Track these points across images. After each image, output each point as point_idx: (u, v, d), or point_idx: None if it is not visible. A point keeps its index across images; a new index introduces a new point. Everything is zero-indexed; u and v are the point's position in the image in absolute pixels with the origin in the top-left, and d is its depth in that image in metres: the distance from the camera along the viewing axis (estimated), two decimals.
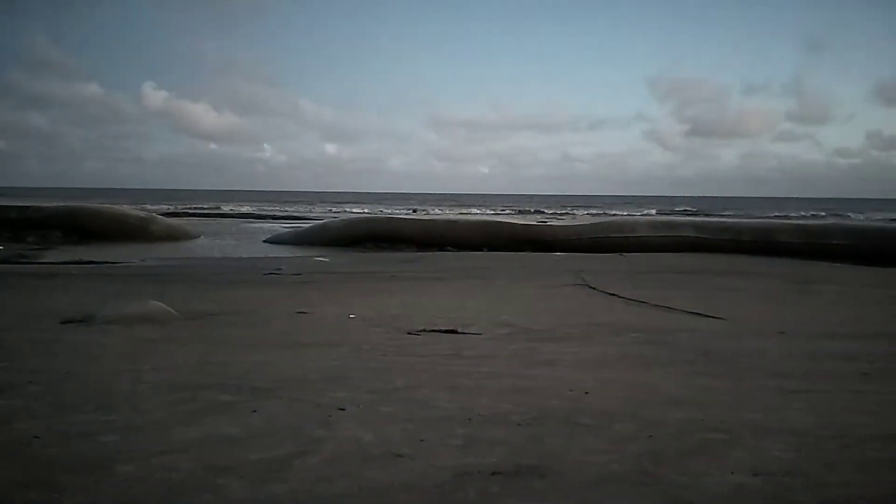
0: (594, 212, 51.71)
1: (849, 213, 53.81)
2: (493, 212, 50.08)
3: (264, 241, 22.28)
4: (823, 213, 51.86)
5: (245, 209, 49.82)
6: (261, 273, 12.60)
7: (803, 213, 51.38)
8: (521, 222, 21.45)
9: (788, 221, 25.27)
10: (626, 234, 19.64)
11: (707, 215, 39.31)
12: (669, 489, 2.71)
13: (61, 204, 24.83)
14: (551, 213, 48.97)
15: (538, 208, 60.22)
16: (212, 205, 55.34)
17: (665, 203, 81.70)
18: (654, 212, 48.35)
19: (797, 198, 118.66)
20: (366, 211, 46.19)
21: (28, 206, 23.71)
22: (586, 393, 4.20)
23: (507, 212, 51.03)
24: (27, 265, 14.07)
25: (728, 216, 39.06)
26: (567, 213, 49.95)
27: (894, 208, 69.95)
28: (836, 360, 5.41)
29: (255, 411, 3.70)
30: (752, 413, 3.81)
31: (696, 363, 5.30)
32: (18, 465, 2.87)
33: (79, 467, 2.85)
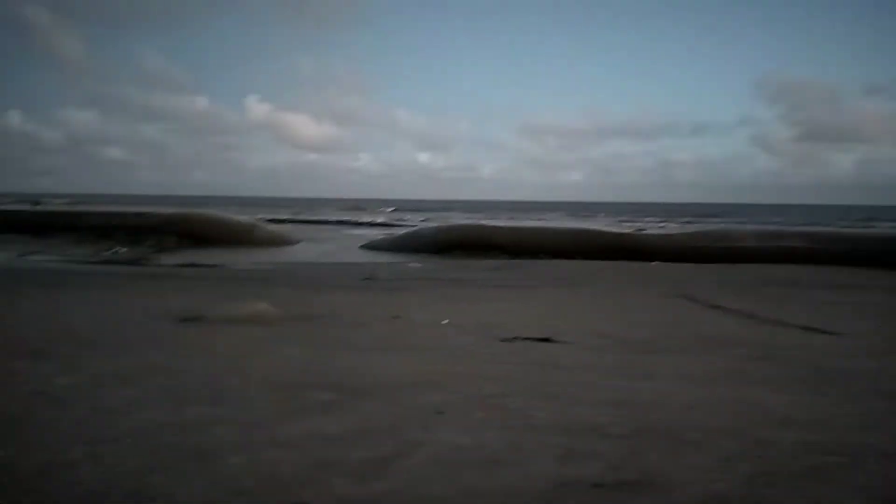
0: (695, 220, 49.68)
1: None
2: (587, 219, 49.20)
3: (360, 247, 22.93)
4: None
5: (341, 216, 51.48)
6: (358, 278, 12.97)
7: None
8: (616, 230, 20.94)
9: None
10: (730, 244, 18.76)
11: (817, 225, 36.89)
12: None
13: (174, 211, 26.62)
14: (649, 221, 47.51)
15: (635, 216, 58.55)
16: (311, 212, 57.59)
17: (770, 212, 77.37)
18: (757, 221, 45.85)
19: None
20: (457, 219, 46.51)
21: (145, 213, 25.58)
22: (690, 408, 4.03)
23: (603, 220, 49.95)
24: (146, 267, 15.19)
25: (841, 226, 36.48)
26: (665, 222, 48.28)
27: None
28: None
29: (355, 412, 3.81)
30: (875, 436, 3.53)
31: (808, 381, 4.98)
32: (144, 452, 3.09)
33: (195, 456, 3.03)
